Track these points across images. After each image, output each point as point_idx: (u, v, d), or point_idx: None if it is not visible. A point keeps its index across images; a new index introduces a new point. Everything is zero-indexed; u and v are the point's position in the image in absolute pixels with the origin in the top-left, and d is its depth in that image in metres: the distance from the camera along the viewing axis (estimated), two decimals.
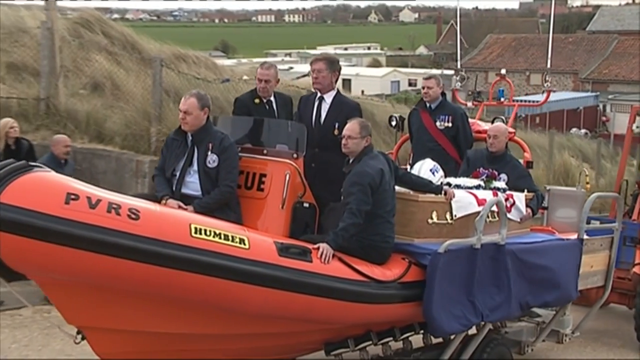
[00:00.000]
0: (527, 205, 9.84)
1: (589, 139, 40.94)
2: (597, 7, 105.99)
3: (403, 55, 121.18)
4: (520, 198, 9.66)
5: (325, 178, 8.48)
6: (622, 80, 69.88)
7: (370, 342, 8.43)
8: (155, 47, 19.87)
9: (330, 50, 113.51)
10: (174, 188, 8.22)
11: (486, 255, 8.61)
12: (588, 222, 10.79)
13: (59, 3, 16.41)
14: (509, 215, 9.37)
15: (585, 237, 10.24)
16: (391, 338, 8.65)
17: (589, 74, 73.77)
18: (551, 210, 11.28)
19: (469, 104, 12.16)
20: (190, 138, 8.22)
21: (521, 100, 12.19)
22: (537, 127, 41.36)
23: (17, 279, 6.78)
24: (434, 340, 9.02)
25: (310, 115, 8.89)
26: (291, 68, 67.35)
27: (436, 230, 8.51)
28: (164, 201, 7.98)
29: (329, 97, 8.93)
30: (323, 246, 7.52)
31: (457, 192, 8.78)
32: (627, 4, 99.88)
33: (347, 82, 70.33)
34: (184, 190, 8.18)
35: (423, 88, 10.74)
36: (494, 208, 8.83)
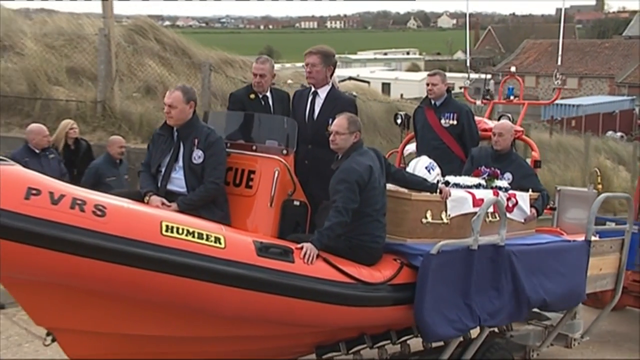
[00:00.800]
0: (531, 206, 9.17)
1: (625, 142, 40.03)
2: (634, 12, 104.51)
3: (441, 60, 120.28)
4: (524, 198, 9.05)
5: (318, 175, 7.97)
6: None
7: (365, 346, 7.92)
8: (204, 53, 20.22)
9: (370, 55, 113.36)
10: (159, 184, 7.74)
11: (484, 256, 8.03)
12: (603, 224, 10.13)
13: (115, 11, 17.11)
14: (510, 216, 8.80)
15: (593, 238, 9.51)
16: (388, 341, 8.16)
17: (625, 78, 72.63)
18: (561, 211, 10.68)
19: (478, 102, 11.52)
20: (176, 133, 7.62)
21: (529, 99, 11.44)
22: (572, 130, 40.46)
23: None
24: (435, 344, 8.43)
25: (304, 111, 8.36)
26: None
27: (431, 230, 7.95)
28: (147, 198, 7.52)
29: (323, 92, 8.39)
30: (307, 246, 7.00)
31: (453, 191, 8.19)
32: None
33: (386, 86, 70.12)
34: (169, 187, 7.74)
35: (427, 85, 10.17)
36: (491, 208, 8.18)
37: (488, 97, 11.48)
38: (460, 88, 11.71)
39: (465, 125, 10.07)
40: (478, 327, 8.12)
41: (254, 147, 7.97)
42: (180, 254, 6.36)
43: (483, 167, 8.94)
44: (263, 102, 9.04)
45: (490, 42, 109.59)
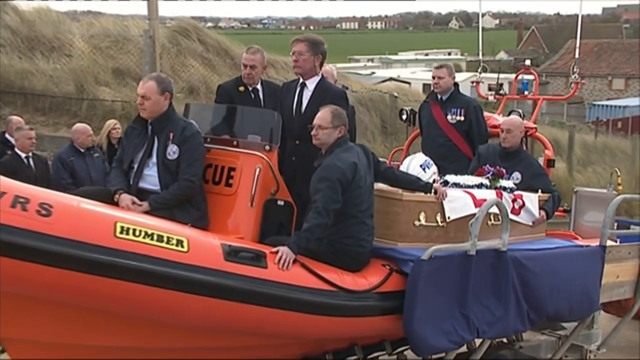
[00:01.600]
0: (541, 208, 8.39)
1: None
2: None
3: (483, 61, 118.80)
4: (531, 199, 8.30)
5: (306, 173, 7.26)
6: None
7: (356, 357, 7.28)
8: None
9: (411, 55, 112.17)
10: (131, 182, 7.13)
11: (484, 263, 7.31)
12: (627, 227, 9.34)
13: (160, 12, 17.11)
14: (516, 218, 8.10)
15: (610, 243, 8.71)
16: (382, 352, 7.55)
17: None
18: (578, 213, 9.93)
19: (490, 97, 10.74)
20: (150, 127, 7.03)
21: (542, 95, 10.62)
22: (619, 131, 39.34)
23: None
24: (435, 355, 7.67)
25: (291, 104, 7.69)
26: (373, 73, 66.59)
27: (424, 233, 7.24)
28: (117, 196, 6.92)
29: (311, 84, 7.70)
30: (282, 250, 6.33)
31: (450, 191, 7.48)
32: None
33: (427, 87, 68.99)
34: (141, 185, 7.12)
35: (433, 78, 9.45)
36: (495, 210, 7.43)
37: (501, 92, 10.65)
38: (472, 83, 10.84)
39: (473, 121, 9.34)
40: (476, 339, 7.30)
41: (234, 143, 7.34)
42: (136, 259, 5.72)
43: (487, 165, 8.17)
44: (253, 95, 8.40)
45: (534, 42, 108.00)
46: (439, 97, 9.52)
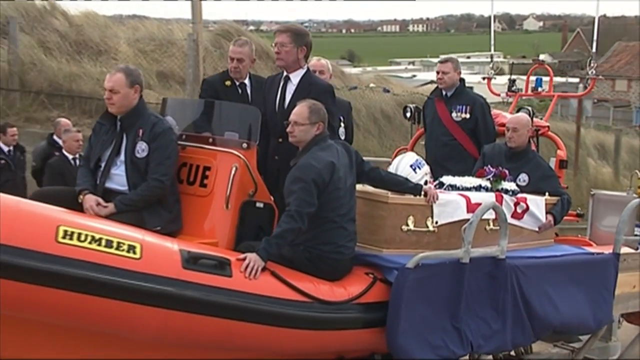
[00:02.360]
0: (548, 212, 7.69)
1: None
2: None
3: (526, 64, 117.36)
4: (537, 203, 7.63)
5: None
6: None
7: None
8: None
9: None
10: (98, 181, 6.55)
11: (480, 271, 6.68)
12: None
13: (203, 16, 17.32)
14: (519, 224, 7.50)
15: (626, 250, 7.99)
16: None
17: None
18: (595, 218, 9.24)
19: (503, 94, 10.02)
20: (119, 123, 6.56)
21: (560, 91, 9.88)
22: None
23: None
24: None
25: (274, 99, 7.08)
26: (414, 76, 66.13)
27: (413, 239, 6.61)
28: (81, 197, 6.36)
29: (295, 77, 7.08)
30: (250, 257, 5.75)
31: (443, 194, 6.77)
32: None
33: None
34: (108, 185, 6.55)
35: (437, 73, 8.76)
36: (491, 214, 6.76)
37: (514, 89, 9.93)
38: (484, 79, 10.15)
39: (479, 119, 8.67)
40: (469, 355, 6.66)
41: (210, 140, 6.75)
42: (80, 266, 5.17)
43: (489, 166, 7.48)
44: (240, 90, 7.80)
45: (579, 44, 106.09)
46: (444, 93, 8.82)
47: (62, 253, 5.11)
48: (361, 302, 6.25)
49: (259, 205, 6.62)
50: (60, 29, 17.69)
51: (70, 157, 10.60)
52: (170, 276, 5.44)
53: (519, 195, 7.54)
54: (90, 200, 6.30)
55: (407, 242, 6.59)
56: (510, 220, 7.33)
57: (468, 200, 6.89)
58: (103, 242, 5.29)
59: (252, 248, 5.99)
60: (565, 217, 8.72)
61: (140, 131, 6.47)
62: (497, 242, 7.02)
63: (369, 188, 6.65)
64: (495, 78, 10.09)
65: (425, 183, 6.85)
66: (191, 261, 5.57)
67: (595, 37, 9.65)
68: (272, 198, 6.65)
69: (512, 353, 8.08)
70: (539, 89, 9.87)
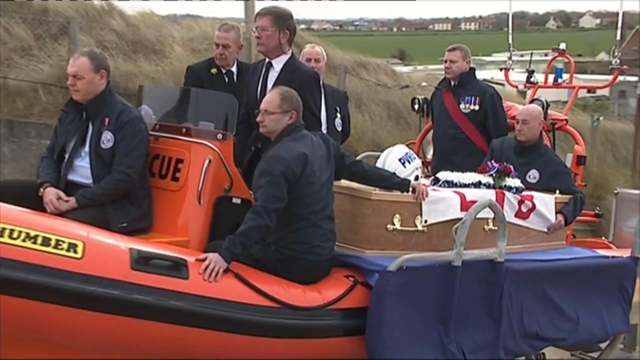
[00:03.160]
0: (558, 212, 6.99)
1: None
2: None
3: (582, 62, 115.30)
4: (545, 201, 6.95)
5: None
6: None
7: None
8: (339, 55, 19.41)
9: (505, 57, 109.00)
10: (61, 173, 6.03)
11: (475, 276, 6.05)
12: None
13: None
14: (524, 223, 6.84)
15: None
16: None
17: None
18: (619, 218, 8.48)
19: (520, 86, 9.30)
20: (84, 111, 6.05)
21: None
22: None
23: None
24: None
25: (256, 87, 6.47)
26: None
27: (400, 240, 5.97)
28: (42, 190, 5.87)
29: (278, 64, 6.50)
30: (211, 257, 5.20)
31: (435, 191, 6.12)
32: None
33: (521, 93, 67.13)
34: (72, 177, 6.03)
35: (445, 62, 8.08)
36: (489, 213, 6.09)
37: (532, 80, 9.20)
38: (501, 69, 9.43)
39: (489, 111, 8.00)
40: None
41: (183, 130, 6.21)
42: (11, 266, 4.64)
43: (492, 161, 6.80)
44: (227, 79, 7.26)
45: (638, 42, 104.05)
46: (452, 83, 8.15)
47: None
48: (338, 308, 5.67)
49: (236, 201, 6.06)
50: (117, 28, 17.54)
51: None
52: (116, 278, 4.90)
53: (525, 193, 6.81)
54: (50, 193, 5.79)
55: (392, 242, 5.97)
56: (513, 220, 6.70)
57: (463, 197, 6.24)
58: (40, 240, 4.76)
59: (219, 247, 5.38)
60: (582, 218, 8.00)
61: (106, 120, 5.96)
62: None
63: (352, 184, 6.01)
64: (513, 69, 9.33)
65: (416, 179, 6.17)
66: (141, 261, 5.01)
67: (620, 25, 8.90)
68: (251, 193, 5.99)
69: None
70: (559, 80, 9.07)
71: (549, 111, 8.36)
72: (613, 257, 7.32)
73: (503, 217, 6.19)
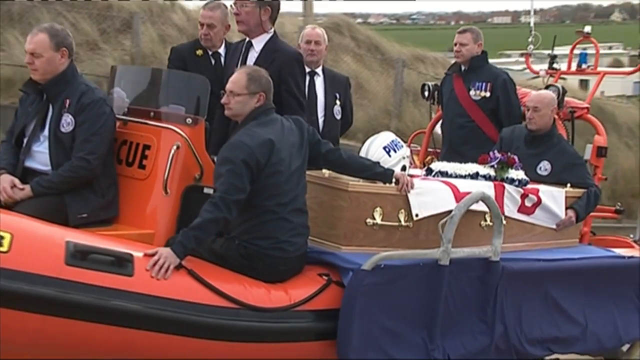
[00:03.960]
0: (568, 207, 6.32)
1: None
2: None
3: None
4: (554, 196, 6.30)
5: None
6: None
7: None
8: (396, 49, 19.49)
9: (566, 50, 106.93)
10: (19, 159, 5.57)
11: (466, 276, 5.48)
12: None
13: (314, 10, 17.28)
14: (528, 219, 6.21)
15: None
16: None
17: None
18: None
19: (542, 72, 8.57)
20: (45, 92, 5.55)
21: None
22: None
23: None
24: None
25: (234, 69, 5.80)
26: (525, 69, 63.72)
27: (381, 235, 5.37)
28: None
29: (259, 44, 5.98)
30: (162, 252, 4.64)
31: (423, 181, 5.49)
32: None
33: (584, 82, 65.64)
34: (29, 164, 5.55)
35: (455, 45, 7.41)
36: (478, 206, 5.47)
37: (554, 66, 8.48)
38: (522, 55, 8.73)
39: (501, 97, 7.35)
40: None
41: (151, 114, 5.70)
42: None
43: (495, 151, 6.16)
44: (213, 61, 6.74)
45: None
46: (462, 68, 7.49)
47: None
48: (307, 310, 5.09)
49: (208, 191, 5.49)
50: (179, 23, 17.71)
51: None
52: (48, 274, 4.38)
53: (531, 186, 6.16)
54: (4, 181, 5.34)
55: (373, 238, 5.38)
56: (516, 215, 6.09)
57: (455, 189, 5.61)
58: None
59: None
60: (601, 214, 7.31)
61: (67, 102, 5.49)
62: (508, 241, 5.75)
63: (330, 173, 5.40)
64: (534, 54, 8.60)
65: (404, 169, 5.55)
66: (78, 256, 4.49)
67: None
68: None
69: None
70: (583, 66, 8.33)
71: (569, 98, 7.63)
72: (631, 257, 6.58)
73: (498, 211, 5.57)
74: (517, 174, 6.14)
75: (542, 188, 6.34)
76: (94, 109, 5.44)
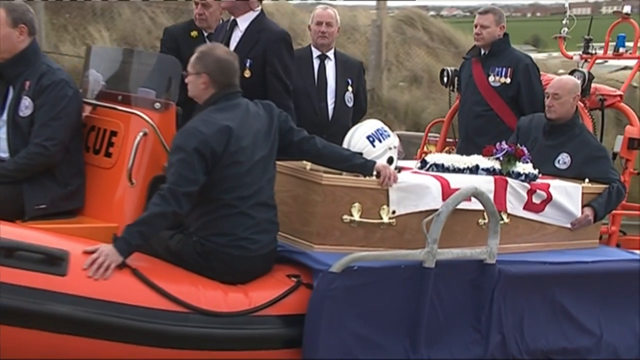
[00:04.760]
0: (586, 205, 5.66)
1: None
2: None
3: None
4: (568, 192, 5.66)
5: None
6: None
7: None
8: (470, 42, 18.24)
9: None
10: None
11: (458, 279, 4.94)
12: None
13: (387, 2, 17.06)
14: (537, 217, 5.53)
15: None
16: None
17: None
18: None
19: (576, 56, 7.82)
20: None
21: None
22: None
23: None
24: None
25: None
26: (606, 61, 61.84)
27: (360, 234, 4.81)
28: None
29: (243, 22, 5.47)
30: (103, 250, 4.13)
31: (410, 175, 4.90)
32: None
33: None
34: None
35: (475, 27, 6.75)
36: (469, 204, 4.86)
37: (590, 50, 7.73)
38: (555, 38, 7.98)
39: (522, 84, 6.69)
40: None
41: (119, 98, 5.21)
42: None
43: (503, 143, 5.51)
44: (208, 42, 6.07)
45: None
46: (482, 52, 6.84)
47: None
48: (270, 314, 4.52)
49: None
50: None
51: None
52: None
53: (541, 181, 5.51)
54: None
55: (351, 237, 4.81)
56: (521, 213, 5.48)
57: (445, 184, 4.97)
58: None
59: None
60: (630, 212, 6.61)
61: (27, 84, 5.04)
62: (501, 241, 5.16)
63: (312, 165, 4.84)
64: (569, 37, 7.85)
65: (390, 161, 4.95)
66: (2, 253, 3.96)
67: None
68: None
69: None
70: (621, 50, 7.57)
71: (599, 85, 6.91)
72: None
73: (493, 209, 4.94)
74: (525, 167, 5.50)
75: (554, 183, 5.68)
76: (54, 92, 4.98)
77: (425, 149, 7.70)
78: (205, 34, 6.33)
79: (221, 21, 6.28)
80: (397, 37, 18.17)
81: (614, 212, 6.54)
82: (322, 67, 6.60)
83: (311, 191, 4.81)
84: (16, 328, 4.03)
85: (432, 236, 4.72)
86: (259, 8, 5.56)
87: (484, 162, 5.44)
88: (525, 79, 6.70)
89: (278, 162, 4.94)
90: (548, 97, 6.18)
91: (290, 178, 4.94)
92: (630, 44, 7.44)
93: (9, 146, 5.05)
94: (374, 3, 17.10)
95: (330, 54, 6.66)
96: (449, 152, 7.28)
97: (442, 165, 5.34)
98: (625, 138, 6.78)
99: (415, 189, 4.96)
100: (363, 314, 4.63)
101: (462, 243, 5.08)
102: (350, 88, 6.66)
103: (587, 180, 5.92)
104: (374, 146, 5.00)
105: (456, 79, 7.34)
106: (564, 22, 7.73)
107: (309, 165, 4.97)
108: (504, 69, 6.75)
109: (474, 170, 5.35)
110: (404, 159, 5.73)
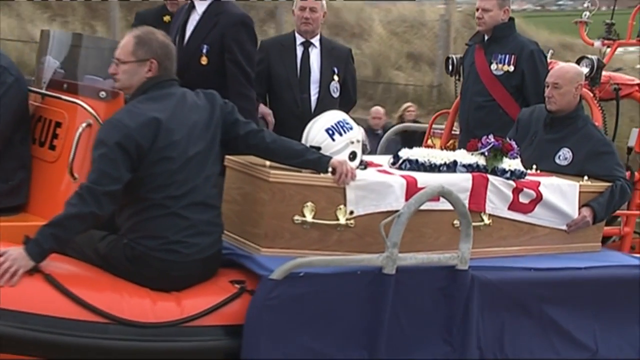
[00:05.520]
0: (584, 205, 5.04)
1: None
2: None
3: None
4: (563, 190, 5.09)
5: None
6: None
7: None
8: (543, 37, 18.89)
9: None
10: None
11: (425, 287, 4.44)
12: None
13: None
14: (525, 218, 4.99)
15: None
16: None
17: None
18: None
19: (597, 43, 7.16)
20: None
21: None
22: None
23: None
24: None
25: (175, 34, 4.86)
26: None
27: (314, 236, 4.31)
28: None
29: (201, 6, 5.02)
30: (11, 254, 3.81)
31: (368, 172, 4.39)
32: None
33: None
34: None
35: (477, 10, 6.16)
36: (439, 204, 4.32)
37: (611, 36, 7.05)
38: (575, 23, 7.32)
39: (527, 72, 6.10)
40: None
41: (65, 86, 4.81)
42: None
43: (489, 136, 4.93)
44: None
45: None
46: (485, 38, 6.24)
47: None
48: (205, 325, 4.02)
49: None
50: None
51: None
52: None
53: (530, 178, 4.93)
54: None
55: (303, 239, 4.30)
56: (506, 213, 4.91)
57: (412, 182, 4.41)
58: None
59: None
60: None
61: None
62: (482, 245, 4.56)
63: (253, 159, 4.34)
64: (590, 22, 7.18)
65: (353, 156, 4.41)
66: None
67: None
68: None
69: None
70: None
71: (614, 74, 6.25)
72: None
73: (464, 209, 4.37)
74: (511, 163, 4.92)
75: (546, 181, 5.09)
76: None
77: (429, 142, 7.12)
78: None
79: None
80: (465, 32, 17.54)
81: (627, 212, 5.93)
82: (305, 55, 6.08)
83: (259, 189, 4.31)
84: None
85: (391, 240, 4.18)
86: None
87: (465, 157, 4.87)
88: (530, 67, 6.12)
89: (228, 157, 4.44)
90: (548, 87, 5.57)
91: (239, 174, 4.45)
92: None
93: None
94: None
95: (315, 40, 6.14)
96: (454, 145, 6.70)
97: (416, 161, 4.77)
98: None
99: (376, 188, 4.41)
100: (314, 325, 4.12)
101: (433, 247, 4.55)
102: (336, 77, 6.13)
103: (586, 177, 5.29)
104: (333, 140, 4.48)
105: (461, 67, 6.72)
106: (585, 5, 7.05)
107: (268, 162, 4.46)
108: (507, 56, 6.18)
109: (452, 166, 4.78)
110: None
